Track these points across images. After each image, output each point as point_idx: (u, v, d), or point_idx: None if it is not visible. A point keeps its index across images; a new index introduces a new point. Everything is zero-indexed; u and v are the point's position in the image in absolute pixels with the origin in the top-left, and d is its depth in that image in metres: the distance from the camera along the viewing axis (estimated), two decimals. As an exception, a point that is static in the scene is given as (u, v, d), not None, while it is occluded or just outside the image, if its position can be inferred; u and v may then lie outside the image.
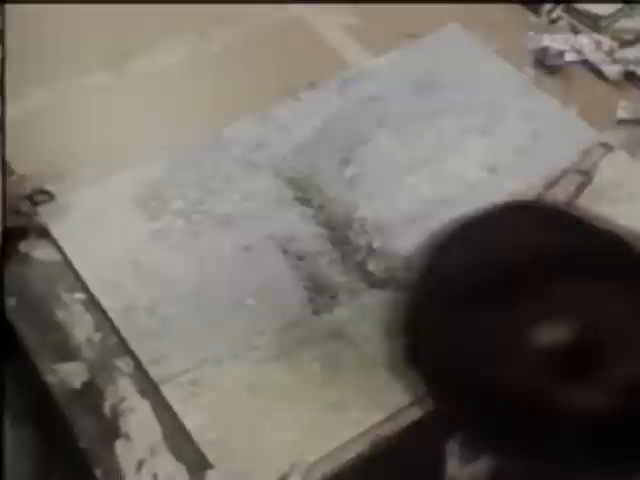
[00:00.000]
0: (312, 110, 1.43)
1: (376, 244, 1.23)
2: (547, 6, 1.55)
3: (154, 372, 1.11)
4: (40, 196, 1.29)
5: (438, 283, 0.67)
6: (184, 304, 1.17)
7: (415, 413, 1.04)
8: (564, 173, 1.32)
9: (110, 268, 1.21)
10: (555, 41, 1.49)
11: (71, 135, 1.40)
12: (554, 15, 1.54)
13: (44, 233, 1.26)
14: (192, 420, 1.06)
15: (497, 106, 1.43)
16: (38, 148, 1.37)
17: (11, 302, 1.19)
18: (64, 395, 1.10)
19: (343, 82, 1.47)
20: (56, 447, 1.20)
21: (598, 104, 1.43)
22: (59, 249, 1.24)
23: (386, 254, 1.22)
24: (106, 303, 1.17)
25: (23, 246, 1.25)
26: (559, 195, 1.29)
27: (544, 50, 1.49)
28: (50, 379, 1.12)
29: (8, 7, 1.38)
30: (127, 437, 1.07)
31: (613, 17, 1.52)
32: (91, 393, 1.10)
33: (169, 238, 1.25)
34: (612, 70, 1.47)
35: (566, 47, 1.49)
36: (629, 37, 1.51)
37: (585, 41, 1.50)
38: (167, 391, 1.09)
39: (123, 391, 1.10)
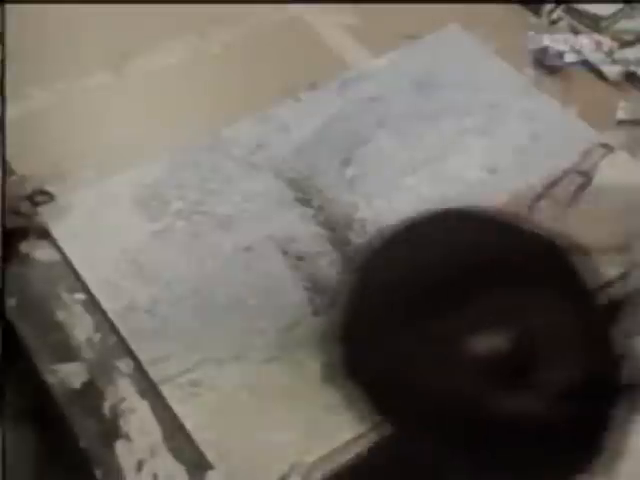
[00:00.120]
0: (312, 111, 1.43)
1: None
2: (548, 6, 1.55)
3: (154, 372, 1.11)
4: (40, 196, 1.29)
5: (374, 294, 0.67)
6: (184, 304, 1.17)
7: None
8: (564, 174, 1.32)
9: (110, 269, 1.21)
10: (555, 41, 1.50)
11: (71, 135, 1.40)
12: (554, 16, 1.54)
13: (44, 234, 1.26)
14: (192, 420, 1.06)
15: (497, 106, 1.43)
16: (38, 148, 1.37)
17: (11, 302, 1.19)
18: (64, 395, 1.10)
19: (343, 82, 1.47)
20: (56, 447, 1.20)
21: (598, 104, 1.43)
22: (59, 249, 1.24)
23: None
24: (106, 303, 1.17)
25: (23, 247, 1.25)
26: (559, 196, 1.29)
27: (544, 50, 1.49)
28: (50, 379, 1.12)
29: (8, 7, 1.38)
30: (127, 437, 1.06)
31: (613, 17, 1.52)
32: (91, 393, 1.10)
33: (169, 239, 1.25)
34: (612, 70, 1.47)
35: (566, 47, 1.49)
36: (629, 38, 1.51)
37: (585, 41, 1.50)
38: (167, 391, 1.09)
39: (123, 391, 1.10)
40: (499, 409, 0.61)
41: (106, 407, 1.09)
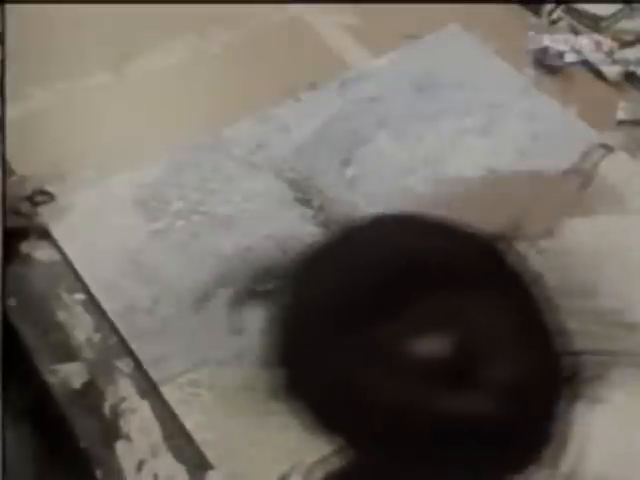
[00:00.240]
0: (312, 111, 1.43)
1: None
2: (548, 7, 1.55)
3: (154, 372, 1.11)
4: (40, 197, 1.29)
5: (309, 309, 0.67)
6: (184, 304, 1.17)
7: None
8: (564, 174, 1.32)
9: (110, 269, 1.21)
10: (555, 41, 1.50)
11: (72, 135, 1.40)
12: (555, 16, 1.54)
13: (44, 234, 1.26)
14: (192, 420, 1.06)
15: (497, 107, 1.43)
16: (38, 149, 1.37)
17: (12, 302, 1.19)
18: (64, 395, 1.10)
19: (343, 83, 1.47)
20: (56, 448, 1.20)
21: (598, 105, 1.43)
22: (59, 250, 1.24)
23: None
24: (106, 303, 1.17)
25: (24, 247, 1.25)
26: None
27: (544, 50, 1.49)
28: (50, 379, 1.12)
29: (8, 7, 1.37)
30: (127, 437, 1.07)
31: (613, 18, 1.52)
32: (91, 393, 1.10)
33: (169, 239, 1.25)
34: (612, 71, 1.47)
35: (566, 48, 1.49)
36: (629, 38, 1.51)
37: (585, 42, 1.50)
38: (167, 391, 1.09)
39: (123, 391, 1.10)
40: (444, 410, 0.61)
41: (106, 407, 1.09)
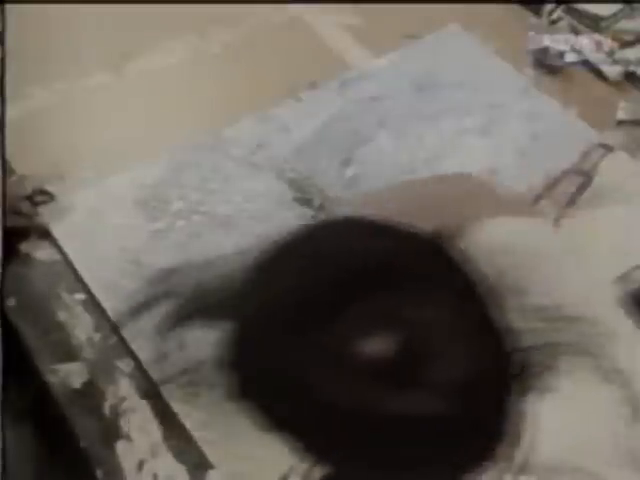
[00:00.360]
0: (312, 110, 1.43)
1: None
2: (548, 7, 1.55)
3: (154, 372, 1.11)
4: (41, 196, 1.29)
5: (259, 312, 0.67)
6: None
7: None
8: (564, 174, 1.32)
9: (111, 268, 1.21)
10: (555, 41, 1.50)
11: (72, 135, 1.40)
12: (555, 16, 1.54)
13: (45, 233, 1.26)
14: (192, 420, 1.06)
15: (497, 107, 1.43)
16: (39, 148, 1.37)
17: (12, 302, 1.19)
18: (64, 395, 1.11)
19: (343, 82, 1.47)
20: (56, 447, 1.20)
21: (598, 105, 1.43)
22: (60, 249, 1.24)
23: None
24: (106, 303, 1.17)
25: (24, 246, 1.25)
26: (559, 196, 1.29)
27: (544, 50, 1.49)
28: (50, 379, 1.12)
29: (8, 7, 1.37)
30: (127, 437, 1.07)
31: (614, 18, 1.52)
32: (91, 393, 1.11)
33: (169, 238, 1.25)
34: (612, 71, 1.47)
35: (566, 47, 1.49)
36: (629, 38, 1.51)
37: (585, 41, 1.50)
38: (167, 391, 1.09)
39: (123, 391, 1.10)
40: (392, 411, 0.61)
41: (106, 407, 1.09)
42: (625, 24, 1.53)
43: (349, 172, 1.34)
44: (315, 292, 0.64)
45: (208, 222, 1.27)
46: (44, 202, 1.29)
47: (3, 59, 1.32)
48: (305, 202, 1.30)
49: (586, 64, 1.49)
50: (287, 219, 1.27)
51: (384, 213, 0.98)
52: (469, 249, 0.91)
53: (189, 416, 1.07)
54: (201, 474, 1.04)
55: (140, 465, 1.04)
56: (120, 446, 1.06)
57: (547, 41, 1.49)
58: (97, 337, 1.16)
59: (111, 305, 1.17)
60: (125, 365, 1.13)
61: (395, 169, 1.33)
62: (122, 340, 1.14)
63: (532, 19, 1.55)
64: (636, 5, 1.54)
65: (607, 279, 1.16)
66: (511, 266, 0.87)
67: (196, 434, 1.06)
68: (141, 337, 1.14)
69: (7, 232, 1.17)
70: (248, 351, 0.68)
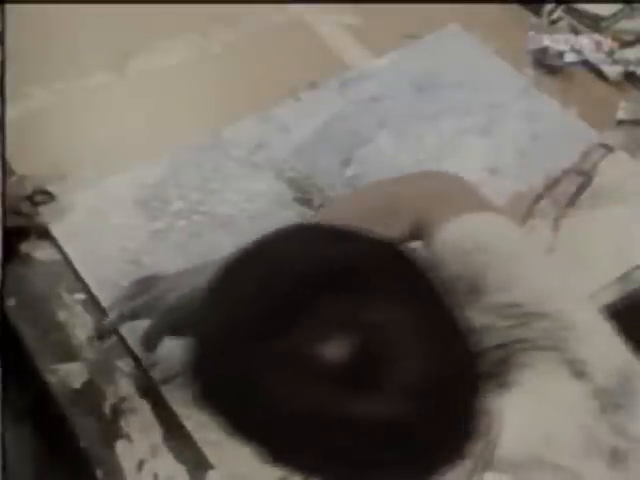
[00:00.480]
0: (313, 110, 1.43)
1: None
2: (548, 7, 1.55)
3: (154, 372, 1.10)
4: (41, 196, 1.29)
5: (221, 320, 0.68)
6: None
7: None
8: (564, 174, 1.32)
9: (111, 268, 1.21)
10: (555, 41, 1.49)
11: (72, 135, 1.40)
12: (555, 16, 1.54)
13: (45, 233, 1.26)
14: (192, 420, 1.06)
15: (497, 107, 1.43)
16: (39, 148, 1.37)
17: (12, 302, 1.19)
18: (64, 395, 1.10)
19: (343, 82, 1.47)
20: (56, 447, 1.20)
21: (598, 105, 1.43)
22: (60, 249, 1.24)
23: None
24: (106, 303, 1.17)
25: (24, 246, 1.25)
26: (559, 196, 1.29)
27: (544, 50, 1.49)
28: (50, 379, 1.12)
29: (8, 7, 1.37)
30: (127, 437, 1.07)
31: (614, 18, 1.52)
32: (91, 393, 1.10)
33: (170, 238, 1.25)
34: (612, 71, 1.47)
35: (566, 47, 1.49)
36: (629, 38, 1.50)
37: (585, 41, 1.50)
38: (167, 391, 1.09)
39: (123, 391, 1.10)
40: (355, 415, 0.61)
41: (106, 407, 1.09)
42: (625, 24, 1.52)
43: (349, 172, 1.34)
44: (272, 299, 0.64)
45: (208, 222, 1.27)
46: (44, 202, 1.29)
47: (3, 59, 1.32)
48: (305, 202, 1.30)
49: (586, 64, 1.49)
50: (287, 219, 1.26)
51: (349, 216, 1.00)
52: (440, 248, 0.92)
53: (189, 416, 1.07)
54: (201, 474, 1.04)
55: (140, 465, 1.04)
56: (120, 446, 1.06)
57: (547, 41, 1.49)
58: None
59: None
60: (125, 365, 1.13)
61: (395, 169, 1.33)
62: (122, 340, 1.14)
63: (532, 19, 1.55)
64: (636, 5, 1.54)
65: (573, 274, 1.17)
66: (482, 265, 0.87)
67: (196, 434, 1.06)
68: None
69: (7, 232, 1.17)
70: (208, 359, 0.68)
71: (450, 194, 1.00)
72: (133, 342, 1.13)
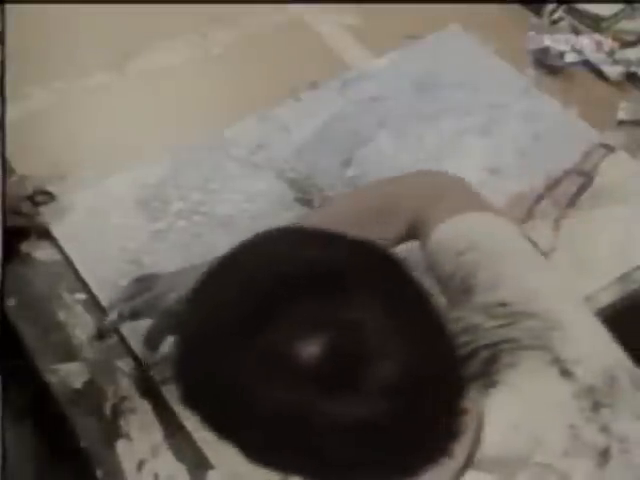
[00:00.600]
0: (313, 110, 1.43)
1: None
2: (549, 7, 1.55)
3: (155, 372, 1.10)
4: (41, 196, 1.29)
5: (200, 324, 0.68)
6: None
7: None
8: (565, 174, 1.32)
9: (111, 268, 1.21)
10: (556, 42, 1.49)
11: (72, 135, 1.40)
12: (556, 16, 1.54)
13: (45, 233, 1.26)
14: (192, 420, 1.05)
15: (498, 107, 1.43)
16: (39, 148, 1.37)
17: (12, 302, 1.19)
18: (65, 395, 1.10)
19: (344, 82, 1.47)
20: (56, 447, 1.20)
21: (599, 105, 1.43)
22: (60, 249, 1.25)
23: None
24: (107, 303, 1.17)
25: (24, 246, 1.25)
26: (560, 196, 1.29)
27: (544, 50, 1.49)
28: (51, 379, 1.12)
29: (8, 7, 1.37)
30: (128, 437, 1.07)
31: (615, 18, 1.52)
32: (92, 393, 1.11)
33: (170, 239, 1.25)
34: (613, 71, 1.46)
35: (567, 48, 1.49)
36: (630, 38, 1.50)
37: (586, 42, 1.50)
38: (168, 391, 1.09)
39: (124, 391, 1.10)
40: (334, 414, 0.61)
41: (107, 407, 1.09)
42: (626, 24, 1.52)
43: (349, 172, 1.34)
44: (251, 300, 0.65)
45: (209, 222, 1.27)
46: (45, 202, 1.29)
47: (3, 59, 1.32)
48: (306, 202, 1.29)
49: (587, 64, 1.49)
50: (288, 219, 1.26)
51: (347, 215, 1.00)
52: (435, 248, 0.92)
53: (189, 416, 1.05)
54: (201, 474, 1.04)
55: (140, 465, 1.04)
56: (120, 446, 1.06)
57: (547, 41, 1.49)
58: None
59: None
60: (125, 365, 1.13)
61: (395, 169, 1.32)
62: (123, 340, 1.14)
63: (533, 19, 1.55)
64: (637, 5, 1.53)
65: (573, 274, 1.19)
66: (474, 264, 0.88)
67: (196, 434, 1.06)
68: (142, 336, 1.13)
69: (8, 232, 1.17)
70: (188, 360, 0.69)
71: (447, 194, 1.00)
72: (134, 342, 1.13)
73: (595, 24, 1.52)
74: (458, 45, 1.54)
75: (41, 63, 1.50)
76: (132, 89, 1.48)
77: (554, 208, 1.28)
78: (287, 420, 0.63)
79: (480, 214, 0.95)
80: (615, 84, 1.47)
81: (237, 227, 1.26)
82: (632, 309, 1.21)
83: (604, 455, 0.77)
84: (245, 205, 1.30)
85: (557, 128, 1.40)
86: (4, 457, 1.04)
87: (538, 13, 1.55)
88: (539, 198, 1.29)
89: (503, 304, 0.84)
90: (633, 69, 1.47)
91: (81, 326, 1.16)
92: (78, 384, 1.11)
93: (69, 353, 1.14)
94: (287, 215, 1.27)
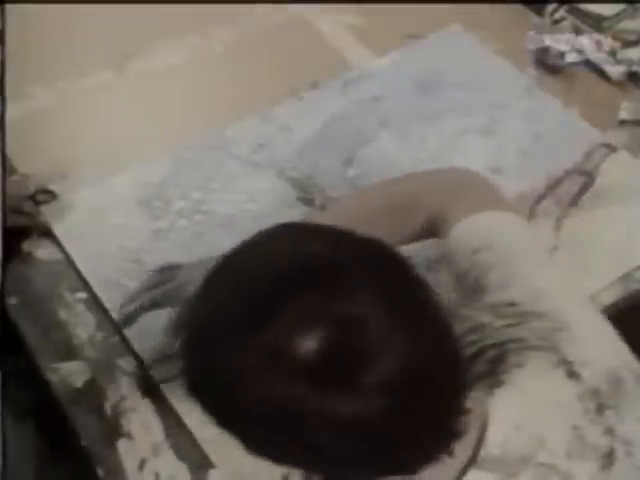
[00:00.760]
0: (314, 110, 1.43)
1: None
2: (550, 6, 1.55)
3: (156, 371, 1.10)
4: (43, 195, 1.29)
5: (208, 315, 0.68)
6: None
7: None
8: (567, 174, 1.32)
9: (112, 267, 1.21)
10: (557, 41, 1.49)
11: (74, 135, 1.40)
12: (557, 16, 1.54)
13: (47, 232, 1.26)
14: (194, 419, 1.06)
15: (499, 107, 1.43)
16: (41, 148, 1.37)
17: (13, 301, 1.19)
18: (66, 394, 1.10)
19: (345, 82, 1.47)
20: (57, 446, 1.19)
21: (600, 105, 1.43)
22: (61, 248, 1.24)
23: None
24: (108, 302, 1.17)
25: (26, 245, 1.25)
26: (562, 196, 1.29)
27: (546, 50, 1.49)
28: (52, 378, 1.12)
29: (8, 7, 1.37)
30: (129, 436, 1.06)
31: (616, 18, 1.52)
32: (93, 392, 1.10)
33: (171, 238, 1.25)
34: (615, 70, 1.46)
35: (568, 47, 1.49)
36: (632, 38, 1.50)
37: (587, 41, 1.50)
38: (169, 390, 1.09)
39: (125, 390, 1.10)
40: (333, 409, 0.62)
41: (108, 406, 1.09)
42: (628, 24, 1.52)
43: (351, 172, 1.34)
44: (252, 296, 0.65)
45: (210, 221, 1.27)
46: (46, 201, 1.29)
47: (3, 59, 1.32)
48: (308, 202, 1.29)
49: (588, 64, 1.49)
50: (290, 218, 1.26)
51: (365, 212, 1.00)
52: (452, 246, 0.92)
53: (190, 415, 1.06)
54: (202, 473, 1.04)
55: (141, 464, 1.04)
56: (121, 445, 1.06)
57: (548, 41, 1.49)
58: (99, 336, 1.16)
59: (112, 304, 1.17)
60: (126, 364, 1.12)
61: (397, 169, 1.33)
62: (124, 339, 1.14)
63: (534, 19, 1.55)
64: (639, 5, 1.54)
65: (575, 274, 1.18)
66: (486, 263, 0.87)
67: (197, 433, 1.05)
68: (142, 336, 1.13)
69: (9, 231, 1.17)
70: (193, 354, 0.69)
71: (468, 192, 1.00)
72: (135, 341, 1.13)
73: (597, 24, 1.52)
74: (459, 45, 1.54)
75: (41, 63, 1.49)
76: (133, 88, 1.48)
77: (556, 208, 1.28)
78: (287, 414, 0.63)
79: (498, 213, 0.95)
80: (617, 84, 1.47)
81: (238, 226, 1.26)
82: (633, 309, 1.21)
83: (608, 457, 0.77)
84: (246, 204, 1.30)
85: (558, 128, 1.40)
86: (5, 456, 1.04)
87: (540, 13, 1.56)
88: (540, 198, 1.29)
89: (512, 304, 0.84)
90: (635, 69, 1.47)
91: (82, 325, 1.16)
92: (79, 383, 1.11)
93: (70, 352, 1.14)
94: (289, 214, 1.27)
